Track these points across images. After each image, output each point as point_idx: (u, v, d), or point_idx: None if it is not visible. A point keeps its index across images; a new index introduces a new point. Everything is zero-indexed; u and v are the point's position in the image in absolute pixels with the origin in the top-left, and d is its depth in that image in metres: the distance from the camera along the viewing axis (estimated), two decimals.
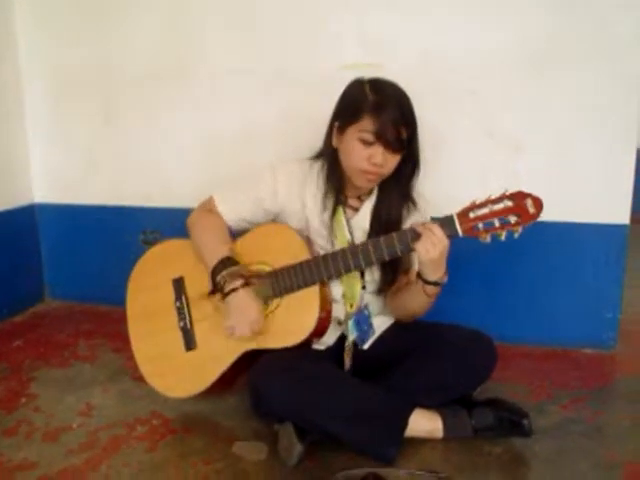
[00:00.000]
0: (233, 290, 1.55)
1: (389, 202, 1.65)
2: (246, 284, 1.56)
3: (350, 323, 1.63)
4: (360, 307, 1.63)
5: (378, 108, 1.50)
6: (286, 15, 2.19)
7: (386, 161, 1.54)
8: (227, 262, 1.57)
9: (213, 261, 1.58)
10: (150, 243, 2.46)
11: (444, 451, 1.55)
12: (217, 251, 1.60)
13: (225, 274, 1.55)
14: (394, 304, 1.72)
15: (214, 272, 1.57)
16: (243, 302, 1.55)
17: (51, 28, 2.51)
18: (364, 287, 1.62)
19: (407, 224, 1.66)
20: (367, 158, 1.53)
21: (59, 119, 2.59)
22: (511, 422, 1.56)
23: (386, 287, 1.70)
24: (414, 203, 1.69)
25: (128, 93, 2.46)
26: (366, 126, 1.51)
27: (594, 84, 1.97)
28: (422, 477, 1.44)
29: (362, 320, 1.66)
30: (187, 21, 2.31)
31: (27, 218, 2.65)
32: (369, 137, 1.51)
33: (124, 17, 2.39)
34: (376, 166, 1.53)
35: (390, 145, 1.51)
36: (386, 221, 1.64)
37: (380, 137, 1.50)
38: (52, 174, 2.65)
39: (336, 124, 1.60)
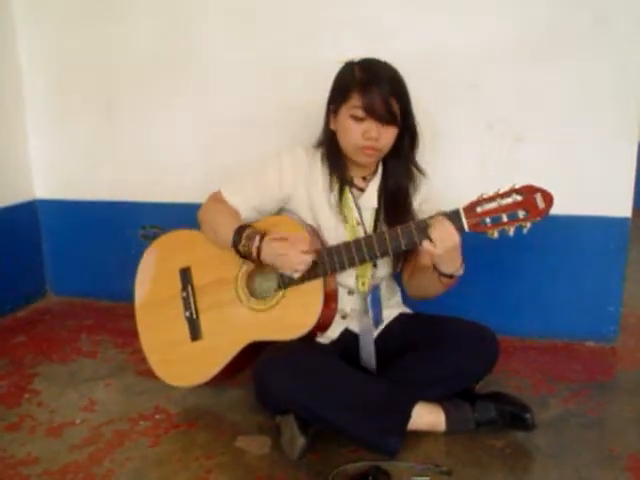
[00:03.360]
0: (258, 250, 1.54)
1: (394, 177, 1.66)
2: (264, 235, 1.55)
3: (369, 300, 1.65)
4: (372, 286, 1.66)
5: (365, 83, 1.53)
6: (285, 5, 2.18)
7: (380, 134, 1.55)
8: (241, 231, 1.57)
9: (229, 239, 1.58)
10: (150, 238, 2.46)
11: (446, 444, 1.55)
12: (231, 226, 1.59)
13: (244, 242, 1.55)
14: (412, 284, 1.73)
15: (234, 247, 1.57)
16: (275, 248, 1.52)
17: (50, 23, 2.50)
18: (375, 265, 1.66)
19: (415, 198, 1.68)
20: (362, 134, 1.54)
21: (59, 115, 2.58)
22: (513, 415, 1.56)
23: (398, 267, 1.72)
24: (422, 173, 1.70)
25: (128, 88, 2.45)
26: (355, 102, 1.53)
27: (594, 75, 1.96)
28: (424, 470, 1.44)
29: (375, 300, 1.68)
30: (186, 13, 2.31)
31: (28, 214, 2.65)
32: (359, 113, 1.53)
33: (124, 10, 2.38)
34: (371, 140, 1.54)
35: (381, 118, 1.52)
36: (394, 197, 1.66)
37: (369, 111, 1.52)
38: (53, 170, 2.65)
39: (331, 107, 1.63)
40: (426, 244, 1.45)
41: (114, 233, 2.58)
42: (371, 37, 2.09)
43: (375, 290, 1.68)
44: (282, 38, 2.20)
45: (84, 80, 2.51)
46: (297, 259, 1.51)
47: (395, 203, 1.64)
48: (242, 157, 2.19)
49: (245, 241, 1.55)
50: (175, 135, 2.43)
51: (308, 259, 1.52)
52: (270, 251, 1.53)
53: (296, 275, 1.54)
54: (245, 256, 1.58)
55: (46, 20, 2.50)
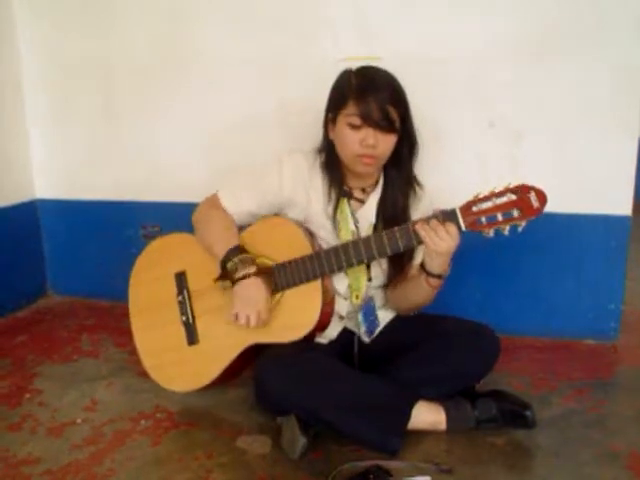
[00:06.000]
0: (245, 277, 1.54)
1: (394, 191, 1.65)
2: (258, 273, 1.55)
3: (359, 315, 1.64)
4: (366, 298, 1.64)
5: (361, 91, 1.52)
6: (285, 6, 2.18)
7: (378, 142, 1.53)
8: (238, 250, 1.57)
9: (224, 249, 1.57)
10: (151, 237, 2.45)
11: (447, 443, 1.55)
12: (228, 241, 1.59)
13: (237, 260, 1.55)
14: (395, 296, 1.71)
15: (225, 259, 1.57)
16: (252, 290, 1.53)
17: (50, 23, 2.50)
18: (370, 279, 1.64)
19: (415, 211, 1.66)
20: (359, 142, 1.53)
21: (59, 114, 2.59)
22: (514, 414, 1.56)
23: (393, 280, 1.69)
24: (419, 185, 1.69)
25: (128, 88, 2.46)
26: (351, 110, 1.52)
27: (595, 74, 1.96)
28: (425, 469, 1.44)
29: (369, 312, 1.67)
30: (186, 13, 2.31)
31: (29, 214, 2.66)
32: (356, 120, 1.52)
33: (123, 10, 2.38)
34: (369, 148, 1.53)
35: (378, 125, 1.51)
36: (392, 211, 1.64)
37: (366, 118, 1.50)
38: (53, 170, 2.65)
39: (329, 116, 1.62)
40: (428, 241, 1.45)
41: (115, 233, 2.58)
42: (371, 37, 2.09)
43: (369, 301, 1.67)
44: (282, 38, 2.20)
45: (84, 80, 2.51)
46: (252, 315, 1.53)
47: (393, 218, 1.62)
48: (242, 157, 2.19)
49: (238, 262, 1.55)
50: (175, 135, 2.43)
51: (254, 324, 1.54)
52: (248, 290, 1.53)
53: (234, 322, 1.57)
54: (225, 272, 1.58)
55: (46, 20, 2.50)
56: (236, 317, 1.55)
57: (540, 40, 1.98)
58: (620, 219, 2.03)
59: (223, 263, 1.57)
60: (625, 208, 2.03)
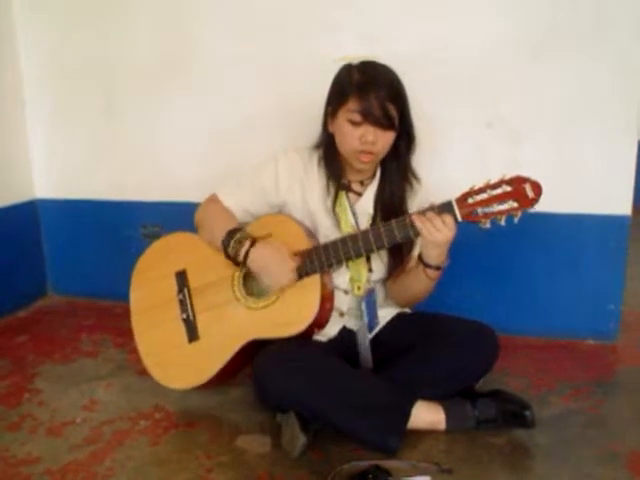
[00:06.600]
0: (247, 254, 1.54)
1: (391, 183, 1.66)
2: (254, 241, 1.56)
3: (363, 305, 1.65)
4: (368, 290, 1.65)
5: (362, 87, 1.52)
6: (285, 6, 2.18)
7: (377, 139, 1.54)
8: (232, 233, 1.58)
9: (220, 238, 1.59)
10: (151, 237, 2.46)
11: (447, 443, 1.55)
12: (224, 228, 1.60)
13: (233, 245, 1.56)
14: (395, 288, 1.72)
15: (224, 249, 1.58)
16: (263, 257, 1.54)
17: (50, 23, 2.50)
18: (370, 270, 1.65)
19: (412, 204, 1.67)
20: (358, 138, 1.54)
21: (59, 114, 2.59)
22: (513, 413, 1.56)
23: (393, 272, 1.70)
24: (417, 179, 1.69)
25: (128, 87, 2.46)
26: (352, 106, 1.53)
27: (595, 74, 1.96)
28: (425, 469, 1.44)
29: (371, 303, 1.67)
30: (186, 13, 2.31)
31: (29, 214, 2.66)
32: (356, 117, 1.53)
33: (123, 10, 2.39)
34: (368, 144, 1.54)
35: (378, 122, 1.52)
36: (390, 203, 1.65)
37: (366, 115, 1.51)
38: (53, 169, 2.65)
39: (329, 109, 1.62)
40: (424, 232, 1.45)
41: (114, 232, 2.58)
42: (371, 37, 2.09)
43: (370, 294, 1.67)
44: (282, 38, 2.20)
45: (84, 80, 2.51)
46: (283, 275, 1.52)
47: (390, 209, 1.63)
48: (242, 156, 2.19)
49: (234, 244, 1.56)
50: (175, 134, 2.43)
51: (292, 277, 1.53)
52: (257, 259, 1.53)
53: (276, 288, 1.56)
54: (232, 259, 1.58)
55: (46, 19, 2.51)
56: (276, 286, 1.55)
57: (540, 40, 1.98)
58: (619, 219, 2.03)
59: (225, 253, 1.58)
60: (625, 208, 2.03)
